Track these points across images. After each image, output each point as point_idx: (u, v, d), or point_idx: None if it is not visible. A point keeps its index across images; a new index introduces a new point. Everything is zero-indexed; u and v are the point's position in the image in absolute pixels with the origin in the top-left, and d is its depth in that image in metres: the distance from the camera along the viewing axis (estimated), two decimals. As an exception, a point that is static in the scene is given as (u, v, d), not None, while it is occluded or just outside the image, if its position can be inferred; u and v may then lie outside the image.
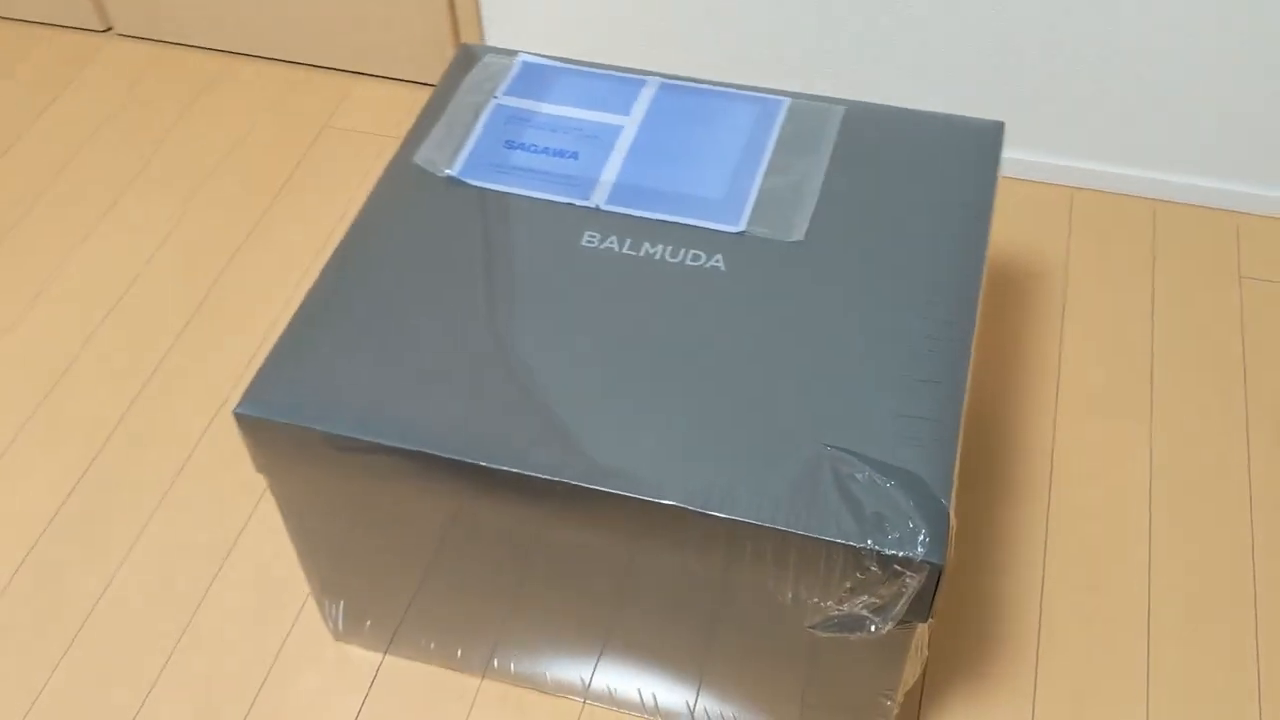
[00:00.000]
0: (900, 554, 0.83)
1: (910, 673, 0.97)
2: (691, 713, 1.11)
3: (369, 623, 1.16)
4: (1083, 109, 1.56)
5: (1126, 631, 1.20)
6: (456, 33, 1.75)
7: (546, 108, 1.15)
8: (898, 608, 0.87)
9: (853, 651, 0.95)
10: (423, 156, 1.11)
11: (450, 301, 0.99)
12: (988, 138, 1.12)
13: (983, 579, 1.25)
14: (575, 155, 1.11)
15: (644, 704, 1.13)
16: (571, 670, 1.12)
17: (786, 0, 1.56)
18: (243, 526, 1.31)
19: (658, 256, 1.02)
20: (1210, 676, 1.17)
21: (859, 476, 0.87)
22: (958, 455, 0.90)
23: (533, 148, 1.12)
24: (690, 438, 0.90)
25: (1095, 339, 1.46)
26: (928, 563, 0.83)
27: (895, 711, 1.01)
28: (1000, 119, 1.60)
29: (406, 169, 1.11)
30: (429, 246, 1.04)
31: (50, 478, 1.36)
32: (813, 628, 0.93)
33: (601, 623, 1.04)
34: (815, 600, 0.90)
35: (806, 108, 1.15)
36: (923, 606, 0.87)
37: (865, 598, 0.87)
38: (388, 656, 1.20)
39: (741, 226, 1.04)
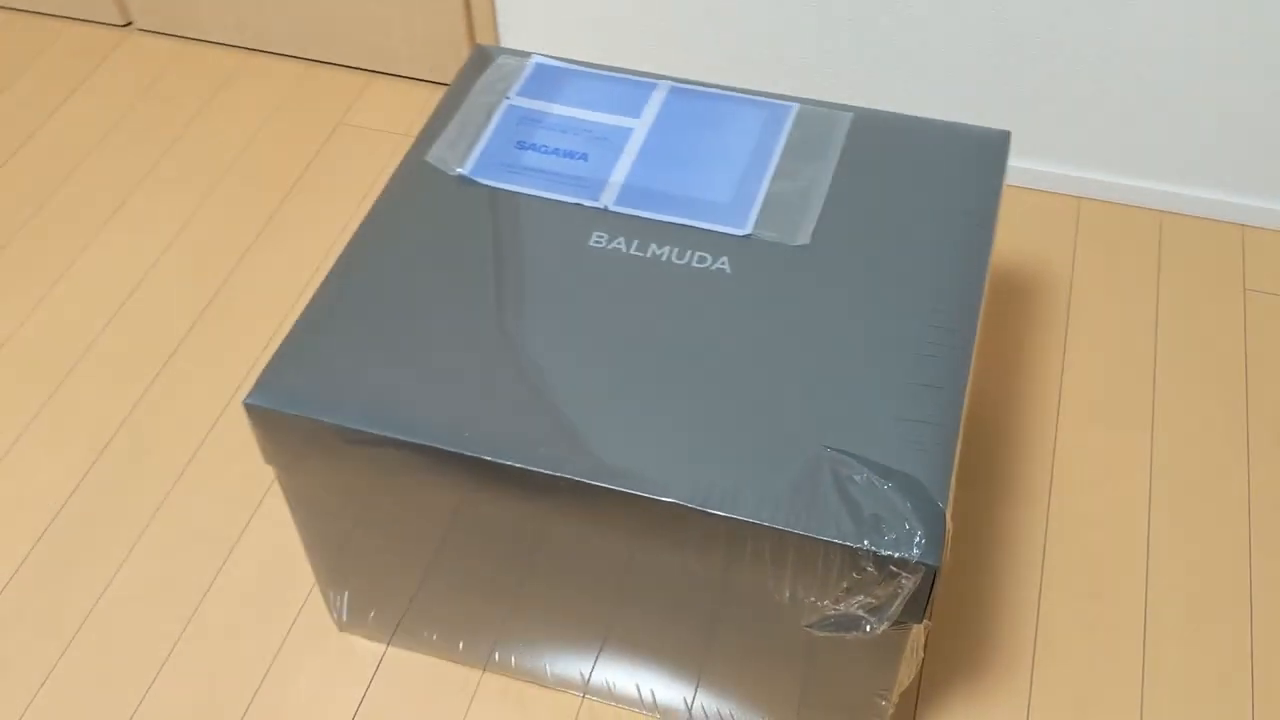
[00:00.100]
0: (896, 555, 0.84)
1: (905, 673, 0.98)
2: (689, 709, 1.12)
3: (373, 614, 1.17)
4: (1083, 109, 1.57)
5: (1123, 636, 1.21)
6: (472, 34, 1.77)
7: (558, 109, 1.17)
8: (893, 608, 0.88)
9: (849, 651, 0.96)
10: (435, 155, 1.13)
11: (459, 298, 1.01)
12: (993, 146, 1.14)
13: (981, 582, 1.26)
14: (585, 157, 1.12)
15: (642, 700, 1.14)
16: (571, 665, 1.13)
17: (787, 1, 1.57)
18: (249, 519, 1.32)
19: (664, 258, 1.04)
20: (1206, 683, 1.18)
21: (858, 478, 0.88)
22: (956, 459, 0.91)
23: (544, 148, 1.13)
24: (693, 437, 0.91)
25: (1099, 348, 1.47)
26: (923, 564, 0.84)
27: (890, 712, 1.02)
28: (1000, 119, 1.61)
29: (419, 167, 1.12)
30: (439, 243, 1.05)
31: (58, 470, 1.37)
32: (809, 627, 0.94)
33: (602, 619, 1.05)
34: (812, 599, 0.91)
35: (814, 114, 1.16)
36: (918, 608, 0.88)
37: (861, 598, 0.88)
38: (391, 648, 1.22)
39: (748, 230, 1.05)
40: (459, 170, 1.11)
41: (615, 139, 1.14)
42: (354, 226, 1.64)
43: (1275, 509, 1.31)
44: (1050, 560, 1.27)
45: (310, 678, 1.20)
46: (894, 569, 0.85)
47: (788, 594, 0.91)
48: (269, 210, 1.66)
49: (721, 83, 1.65)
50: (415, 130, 1.78)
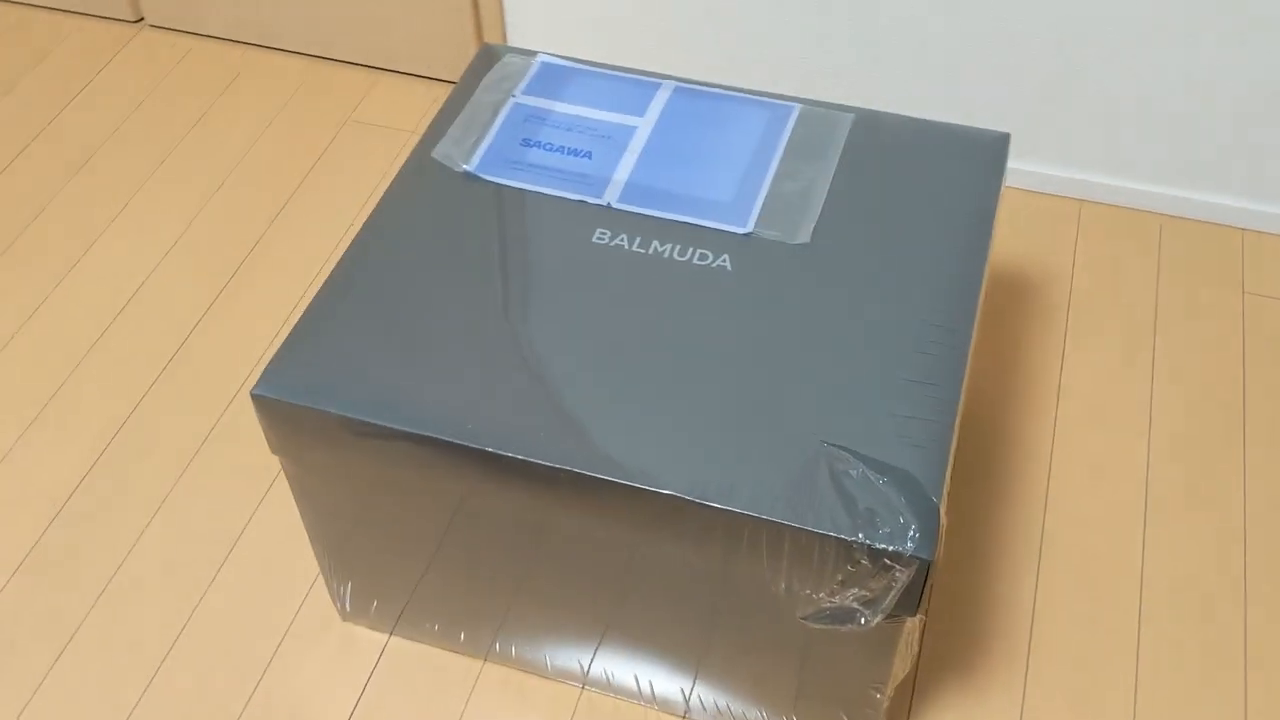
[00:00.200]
0: (890, 548, 0.86)
1: (900, 666, 1.00)
2: (687, 701, 1.14)
3: (375, 604, 1.18)
4: (1084, 112, 1.58)
5: (1118, 633, 1.22)
6: (480, 33, 1.78)
7: (563, 108, 1.18)
8: (887, 601, 0.89)
9: (844, 643, 0.97)
10: (441, 152, 1.14)
11: (464, 292, 1.02)
12: (993, 148, 1.15)
13: (977, 579, 1.27)
14: (589, 154, 1.14)
15: (641, 691, 1.15)
16: (571, 656, 1.14)
17: (787, 1, 1.58)
18: (252, 512, 1.34)
19: (666, 255, 1.05)
20: (1199, 681, 1.19)
21: (854, 473, 0.90)
22: (951, 456, 0.92)
23: (548, 146, 1.15)
24: (692, 431, 0.93)
25: (1098, 350, 1.48)
26: (917, 558, 0.85)
27: (886, 704, 1.04)
28: (1001, 120, 1.62)
29: (425, 163, 1.14)
30: (445, 239, 1.07)
31: (65, 462, 1.39)
32: (805, 619, 0.95)
33: (602, 611, 1.06)
34: (808, 592, 0.92)
35: (816, 114, 1.17)
36: (911, 601, 0.89)
37: (856, 590, 0.90)
38: (393, 638, 1.23)
39: (749, 228, 1.07)
40: (464, 167, 1.13)
41: (619, 137, 1.15)
42: (360, 221, 1.66)
43: (1271, 510, 1.32)
44: (1046, 558, 1.28)
45: (313, 667, 1.21)
46: (888, 562, 0.86)
47: (784, 586, 0.93)
48: (276, 205, 1.68)
49: (722, 82, 1.67)
50: (422, 127, 1.79)
